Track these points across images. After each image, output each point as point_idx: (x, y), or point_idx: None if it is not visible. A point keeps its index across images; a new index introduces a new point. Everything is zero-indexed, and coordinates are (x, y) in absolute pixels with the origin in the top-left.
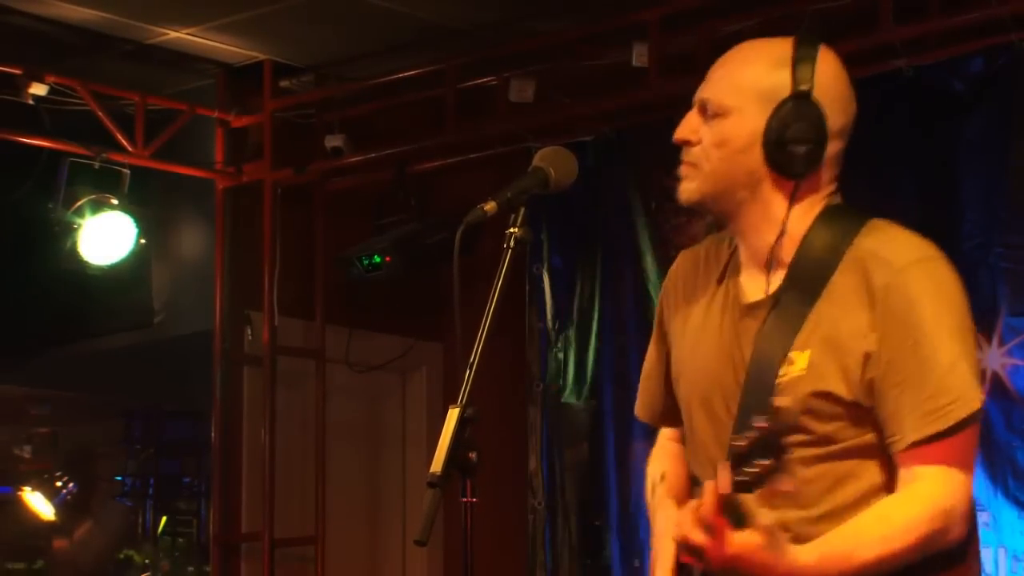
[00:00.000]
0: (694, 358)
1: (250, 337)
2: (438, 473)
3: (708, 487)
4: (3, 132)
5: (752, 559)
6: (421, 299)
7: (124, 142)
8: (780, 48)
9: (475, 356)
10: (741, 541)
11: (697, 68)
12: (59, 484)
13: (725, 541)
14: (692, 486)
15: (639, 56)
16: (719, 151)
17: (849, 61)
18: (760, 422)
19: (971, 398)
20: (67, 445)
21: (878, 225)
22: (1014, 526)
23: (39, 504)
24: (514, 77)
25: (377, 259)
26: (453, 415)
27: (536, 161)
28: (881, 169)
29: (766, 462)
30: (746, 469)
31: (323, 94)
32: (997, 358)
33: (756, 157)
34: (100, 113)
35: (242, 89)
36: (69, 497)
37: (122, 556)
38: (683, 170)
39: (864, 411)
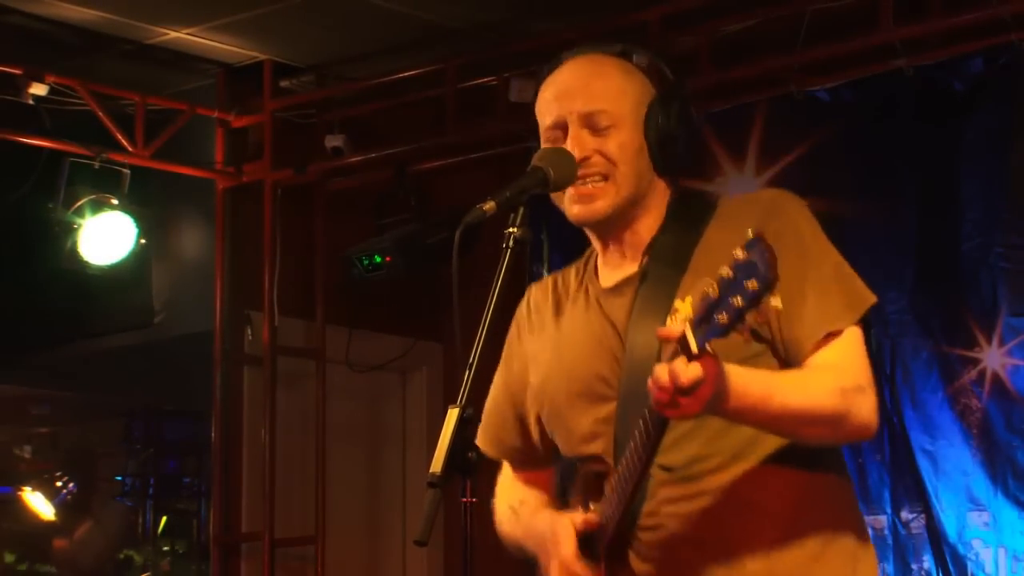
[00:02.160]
0: (561, 359)
1: (250, 337)
2: (438, 473)
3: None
4: (3, 132)
5: (730, 374)
6: (421, 299)
7: (124, 142)
8: (617, 61)
9: (475, 356)
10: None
11: (697, 68)
12: (59, 484)
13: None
14: (565, 468)
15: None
16: (623, 156)
17: (849, 61)
18: (737, 255)
19: (866, 295)
20: (67, 445)
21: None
22: (1014, 526)
23: (39, 504)
24: (514, 77)
25: (377, 259)
26: (453, 415)
27: (535, 161)
28: (881, 169)
29: (753, 285)
30: (729, 303)
31: (323, 94)
32: (997, 358)
33: (646, 158)
34: (100, 113)
35: (242, 89)
36: (69, 497)
37: (122, 556)
38: (591, 189)
39: (759, 336)
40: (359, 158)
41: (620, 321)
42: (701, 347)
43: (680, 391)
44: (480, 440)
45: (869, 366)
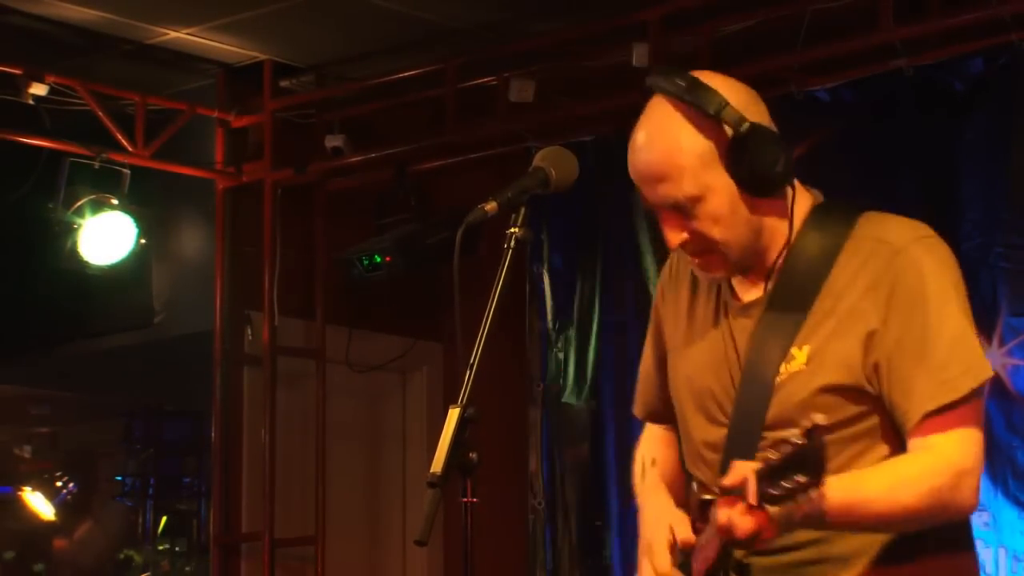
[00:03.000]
0: (686, 361)
1: (250, 337)
2: (438, 473)
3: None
4: (3, 132)
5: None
6: (421, 299)
7: (124, 142)
8: (677, 114)
9: (475, 356)
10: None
11: (697, 68)
12: (59, 484)
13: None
14: (687, 481)
15: (639, 56)
16: (719, 226)
17: (849, 61)
18: (796, 439)
19: (981, 367)
20: (67, 445)
21: (872, 216)
22: (1014, 526)
23: (39, 504)
24: (514, 77)
25: (377, 259)
26: (453, 415)
27: (537, 161)
28: (881, 169)
29: (802, 479)
30: (781, 483)
31: (323, 94)
32: (997, 358)
33: (744, 205)
34: (100, 113)
35: (242, 89)
36: (69, 497)
37: (122, 556)
38: (701, 263)
39: (867, 396)
40: (359, 158)
41: (743, 347)
42: (759, 504)
43: (736, 540)
44: (635, 408)
45: (980, 443)
